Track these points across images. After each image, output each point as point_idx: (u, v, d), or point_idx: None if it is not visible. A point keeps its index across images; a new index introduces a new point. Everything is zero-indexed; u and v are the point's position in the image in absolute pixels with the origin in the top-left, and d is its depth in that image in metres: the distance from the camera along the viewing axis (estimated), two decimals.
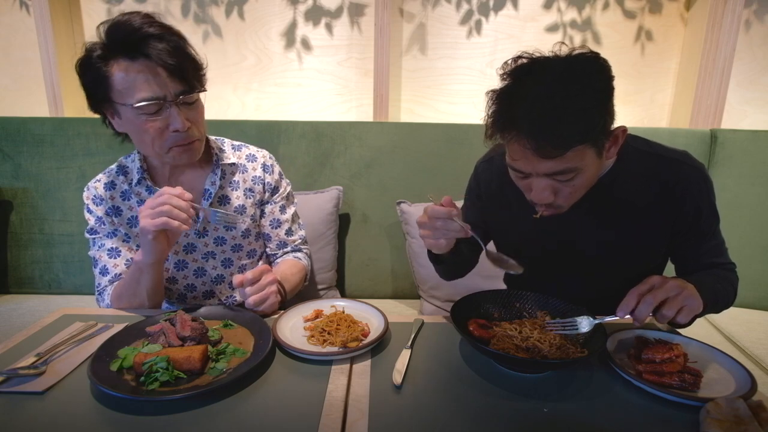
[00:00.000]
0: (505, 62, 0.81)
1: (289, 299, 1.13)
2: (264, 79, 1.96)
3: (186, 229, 0.92)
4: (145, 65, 0.93)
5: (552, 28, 1.89)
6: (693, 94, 1.81)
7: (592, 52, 0.79)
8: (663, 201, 0.94)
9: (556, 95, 0.74)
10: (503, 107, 0.80)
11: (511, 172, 0.89)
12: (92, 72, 0.94)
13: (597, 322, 0.82)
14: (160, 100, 0.94)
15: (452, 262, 1.03)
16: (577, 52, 0.78)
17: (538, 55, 0.80)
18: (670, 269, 1.05)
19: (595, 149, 0.79)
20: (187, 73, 0.96)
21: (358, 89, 1.96)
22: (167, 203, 0.90)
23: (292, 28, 1.91)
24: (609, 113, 0.79)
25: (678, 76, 1.92)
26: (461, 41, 1.91)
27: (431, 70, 1.94)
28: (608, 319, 0.81)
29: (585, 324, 0.82)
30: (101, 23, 0.94)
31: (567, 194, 0.85)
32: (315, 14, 1.90)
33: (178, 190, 0.93)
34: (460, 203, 1.73)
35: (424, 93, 1.97)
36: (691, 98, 1.82)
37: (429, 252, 0.99)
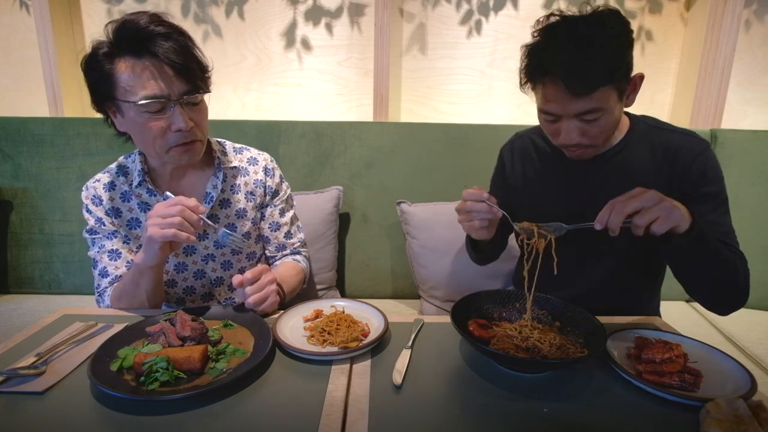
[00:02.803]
0: (537, 20, 0.92)
1: (287, 301, 1.13)
2: (264, 79, 1.96)
3: (194, 242, 0.92)
4: (151, 63, 0.92)
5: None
6: (693, 94, 1.81)
7: (613, 8, 0.90)
8: (669, 166, 1.00)
9: (584, 42, 0.85)
10: (537, 57, 0.90)
11: (542, 117, 0.97)
12: (97, 69, 0.94)
13: (569, 228, 0.87)
14: (164, 99, 0.93)
15: (488, 249, 1.17)
16: (600, 8, 0.89)
17: (568, 13, 0.90)
18: None
19: (617, 92, 0.90)
20: (192, 73, 0.96)
21: (358, 89, 1.96)
22: (179, 216, 0.89)
23: (292, 28, 1.91)
24: (629, 60, 0.90)
25: (678, 76, 1.92)
26: (461, 41, 1.90)
27: (431, 70, 1.94)
28: (582, 225, 0.85)
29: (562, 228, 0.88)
30: (109, 22, 0.93)
31: (594, 135, 0.93)
32: (315, 14, 1.90)
33: (193, 202, 0.92)
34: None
35: (424, 93, 1.97)
36: (691, 98, 1.82)
37: (467, 241, 1.18)
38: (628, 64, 0.90)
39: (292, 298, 1.32)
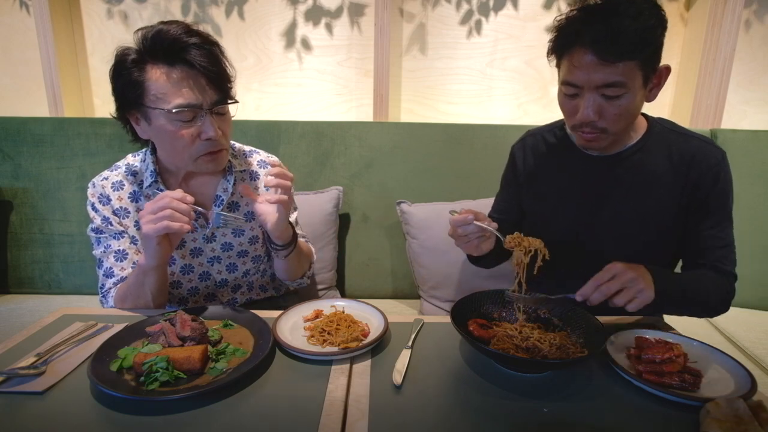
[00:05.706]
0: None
1: (295, 275, 1.19)
2: (264, 79, 1.96)
3: (188, 230, 0.92)
4: (186, 72, 0.94)
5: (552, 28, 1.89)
6: (693, 94, 1.81)
7: None
8: (685, 173, 1.01)
9: (617, 15, 0.85)
10: (568, 27, 0.91)
11: (562, 91, 0.96)
12: (125, 76, 0.95)
13: (548, 297, 0.89)
14: (197, 108, 0.95)
15: (490, 259, 1.12)
16: None
17: None
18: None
19: (643, 75, 0.89)
20: (223, 83, 0.98)
21: (358, 89, 1.96)
22: (168, 207, 0.90)
23: (292, 28, 1.91)
24: (659, 44, 0.90)
25: (678, 76, 1.92)
26: (461, 41, 1.90)
27: (431, 70, 1.94)
28: (567, 296, 0.87)
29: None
30: (139, 29, 0.94)
31: (611, 116, 0.92)
32: (315, 14, 1.90)
33: (179, 193, 0.92)
34: (461, 203, 1.74)
35: (424, 93, 1.97)
36: (691, 98, 1.82)
37: (468, 256, 1.13)
38: (658, 48, 0.90)
39: (292, 297, 1.32)
